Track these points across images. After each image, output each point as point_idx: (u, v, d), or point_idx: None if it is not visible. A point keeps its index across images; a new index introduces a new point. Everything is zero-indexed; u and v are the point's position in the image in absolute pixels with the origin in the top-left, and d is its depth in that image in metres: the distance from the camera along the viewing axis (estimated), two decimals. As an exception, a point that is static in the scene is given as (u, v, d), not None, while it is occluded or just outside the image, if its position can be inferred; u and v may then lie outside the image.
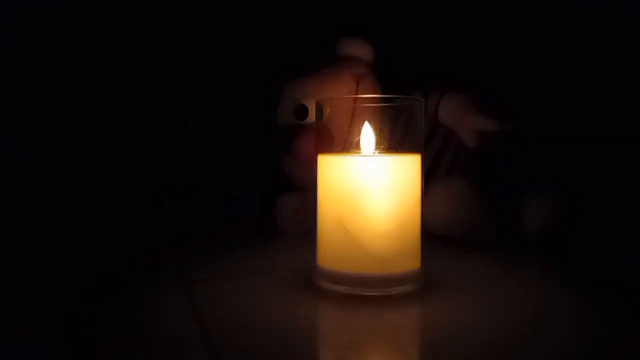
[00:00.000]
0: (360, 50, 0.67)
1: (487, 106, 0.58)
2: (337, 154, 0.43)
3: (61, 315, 0.37)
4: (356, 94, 0.63)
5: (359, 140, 0.42)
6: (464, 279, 0.46)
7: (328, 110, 0.44)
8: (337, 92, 0.62)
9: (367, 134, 0.42)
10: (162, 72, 0.76)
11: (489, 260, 0.52)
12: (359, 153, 0.42)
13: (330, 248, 0.41)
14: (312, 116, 0.61)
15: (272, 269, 0.49)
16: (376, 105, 0.46)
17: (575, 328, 0.34)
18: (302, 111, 0.62)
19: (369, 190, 0.39)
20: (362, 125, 0.42)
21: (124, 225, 0.71)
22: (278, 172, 0.67)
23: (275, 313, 0.36)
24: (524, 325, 0.35)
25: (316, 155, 0.43)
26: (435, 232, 0.56)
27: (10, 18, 0.67)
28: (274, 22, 0.77)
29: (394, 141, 0.42)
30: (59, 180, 0.71)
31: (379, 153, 0.42)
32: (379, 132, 0.42)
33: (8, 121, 0.69)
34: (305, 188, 0.64)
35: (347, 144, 0.43)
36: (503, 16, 0.80)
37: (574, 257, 0.54)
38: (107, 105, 0.73)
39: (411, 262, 0.41)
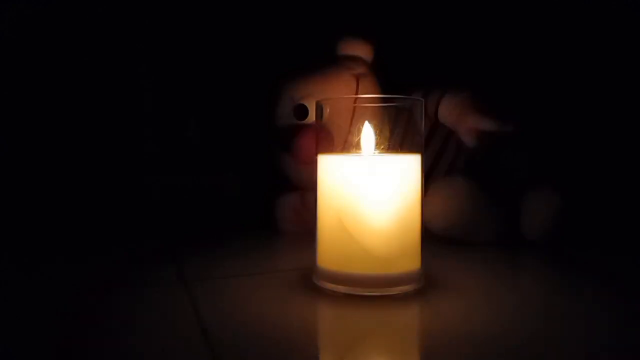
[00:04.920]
0: (360, 50, 0.67)
1: (487, 106, 0.58)
2: (337, 154, 0.43)
3: (61, 315, 0.37)
4: (356, 94, 0.63)
5: (359, 140, 0.42)
6: (464, 279, 0.46)
7: (328, 110, 0.44)
8: (337, 92, 0.62)
9: (367, 134, 0.42)
10: (163, 72, 0.76)
11: (489, 260, 0.52)
12: (359, 153, 0.42)
13: (330, 248, 0.41)
14: (312, 116, 0.61)
15: (272, 269, 0.49)
16: (376, 105, 0.46)
17: (576, 328, 0.34)
18: (302, 111, 0.62)
19: (369, 190, 0.39)
20: (362, 125, 0.42)
21: (124, 224, 0.71)
22: (278, 172, 0.67)
23: (275, 313, 0.36)
24: (523, 325, 0.35)
25: (316, 155, 0.43)
26: (436, 232, 0.56)
27: (9, 18, 0.67)
28: (274, 22, 0.77)
29: (394, 141, 0.42)
30: (59, 180, 0.71)
31: (379, 153, 0.42)
32: (379, 132, 0.42)
33: (8, 121, 0.69)
34: (305, 188, 0.64)
35: (347, 144, 0.43)
36: (503, 15, 0.80)
37: (574, 257, 0.54)
38: (107, 105, 0.73)
39: (411, 262, 0.41)
